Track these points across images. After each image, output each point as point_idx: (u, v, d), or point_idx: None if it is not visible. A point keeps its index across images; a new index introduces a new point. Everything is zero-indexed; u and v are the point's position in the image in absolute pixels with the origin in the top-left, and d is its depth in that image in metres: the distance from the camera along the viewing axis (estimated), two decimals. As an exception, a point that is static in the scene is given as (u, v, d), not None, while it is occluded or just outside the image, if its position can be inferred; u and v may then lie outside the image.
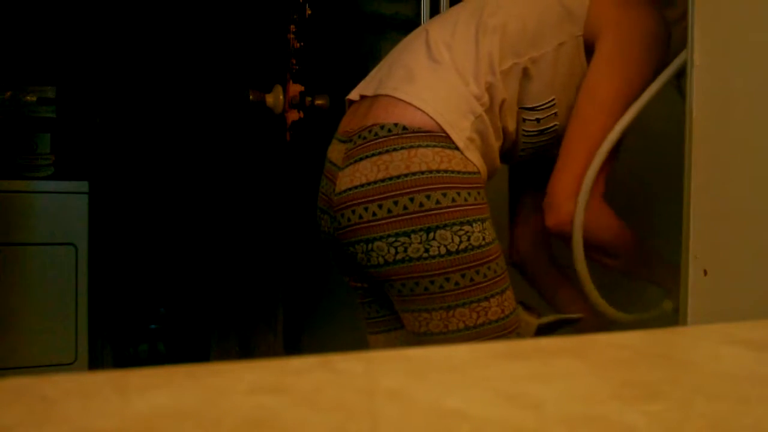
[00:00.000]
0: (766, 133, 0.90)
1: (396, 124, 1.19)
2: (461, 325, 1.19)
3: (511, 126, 1.29)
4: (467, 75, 1.22)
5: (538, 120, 1.29)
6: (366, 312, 1.36)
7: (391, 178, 1.17)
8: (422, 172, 1.17)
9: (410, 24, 1.85)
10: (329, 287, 2.00)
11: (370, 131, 1.21)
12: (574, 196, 1.24)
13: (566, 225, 1.25)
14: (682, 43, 1.04)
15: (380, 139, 1.20)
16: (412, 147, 1.18)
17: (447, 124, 1.19)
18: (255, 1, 2.20)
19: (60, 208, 2.25)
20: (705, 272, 0.94)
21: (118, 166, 2.54)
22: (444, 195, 1.17)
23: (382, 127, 1.20)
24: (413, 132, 1.19)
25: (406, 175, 1.17)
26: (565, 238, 1.27)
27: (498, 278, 1.21)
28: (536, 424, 0.34)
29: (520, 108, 1.28)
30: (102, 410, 0.33)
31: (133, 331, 2.61)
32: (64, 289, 2.24)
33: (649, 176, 1.62)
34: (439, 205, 1.16)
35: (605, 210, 1.28)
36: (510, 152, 1.34)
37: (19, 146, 2.33)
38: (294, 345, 2.06)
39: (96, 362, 2.37)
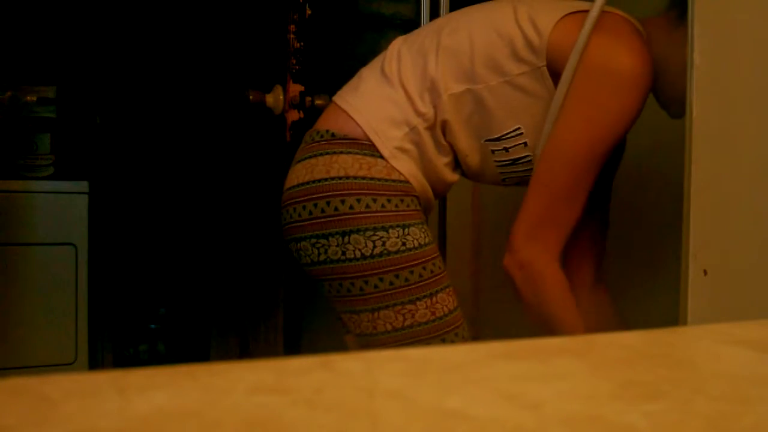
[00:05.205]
0: (766, 133, 0.90)
1: (327, 131, 1.25)
2: (388, 327, 1.20)
3: (468, 149, 1.27)
4: (411, 90, 1.23)
5: (506, 149, 1.26)
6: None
7: (314, 181, 1.22)
8: (339, 178, 1.21)
9: (410, 24, 1.85)
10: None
11: (310, 136, 1.28)
12: (533, 240, 1.21)
13: (517, 268, 1.22)
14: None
15: (313, 144, 1.26)
16: (334, 153, 1.23)
17: (373, 133, 1.23)
18: (255, 1, 2.20)
19: (60, 208, 2.24)
20: (705, 272, 0.93)
21: (118, 166, 2.53)
22: (358, 201, 1.20)
23: (317, 133, 1.27)
24: (339, 139, 1.24)
25: (326, 180, 1.22)
26: (514, 282, 1.23)
27: (426, 281, 1.21)
28: (536, 424, 0.34)
29: (485, 140, 1.26)
30: (102, 410, 0.33)
31: (133, 331, 2.61)
32: (64, 289, 2.23)
33: (649, 177, 1.62)
34: (352, 210, 1.19)
35: (557, 272, 1.22)
36: (492, 179, 1.33)
37: (19, 146, 2.33)
38: (294, 345, 2.06)
39: (96, 362, 2.37)
